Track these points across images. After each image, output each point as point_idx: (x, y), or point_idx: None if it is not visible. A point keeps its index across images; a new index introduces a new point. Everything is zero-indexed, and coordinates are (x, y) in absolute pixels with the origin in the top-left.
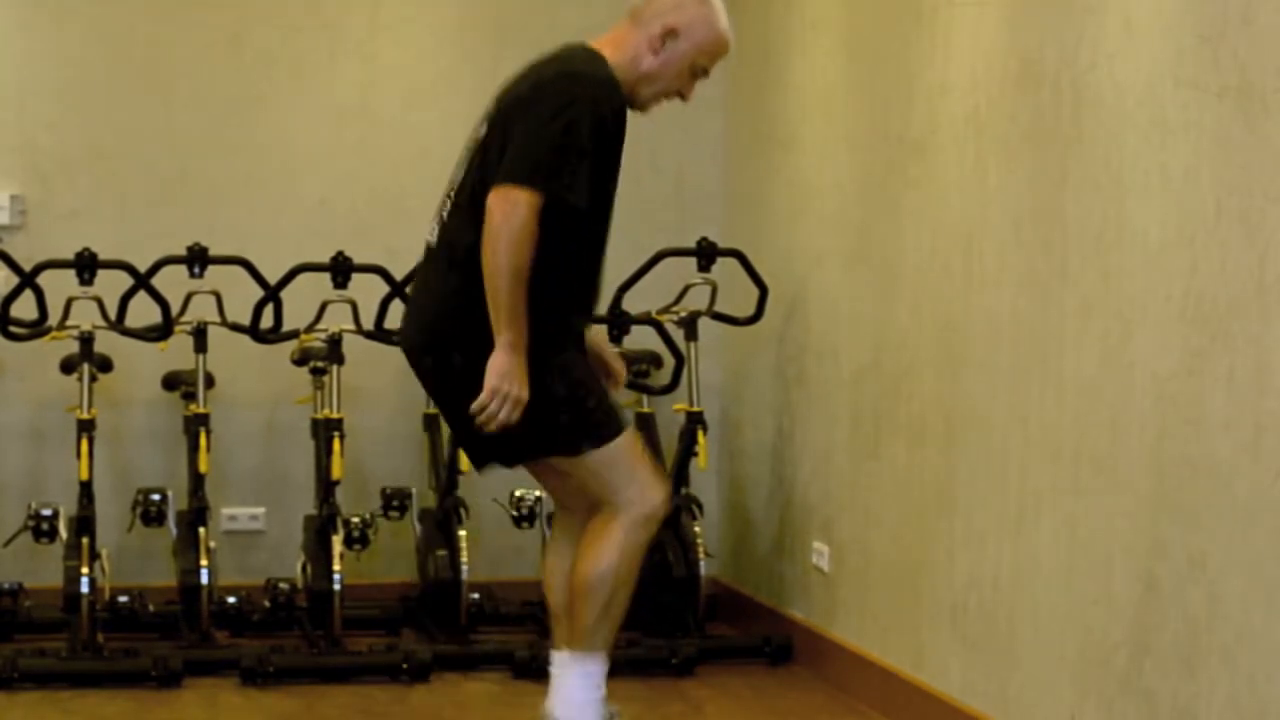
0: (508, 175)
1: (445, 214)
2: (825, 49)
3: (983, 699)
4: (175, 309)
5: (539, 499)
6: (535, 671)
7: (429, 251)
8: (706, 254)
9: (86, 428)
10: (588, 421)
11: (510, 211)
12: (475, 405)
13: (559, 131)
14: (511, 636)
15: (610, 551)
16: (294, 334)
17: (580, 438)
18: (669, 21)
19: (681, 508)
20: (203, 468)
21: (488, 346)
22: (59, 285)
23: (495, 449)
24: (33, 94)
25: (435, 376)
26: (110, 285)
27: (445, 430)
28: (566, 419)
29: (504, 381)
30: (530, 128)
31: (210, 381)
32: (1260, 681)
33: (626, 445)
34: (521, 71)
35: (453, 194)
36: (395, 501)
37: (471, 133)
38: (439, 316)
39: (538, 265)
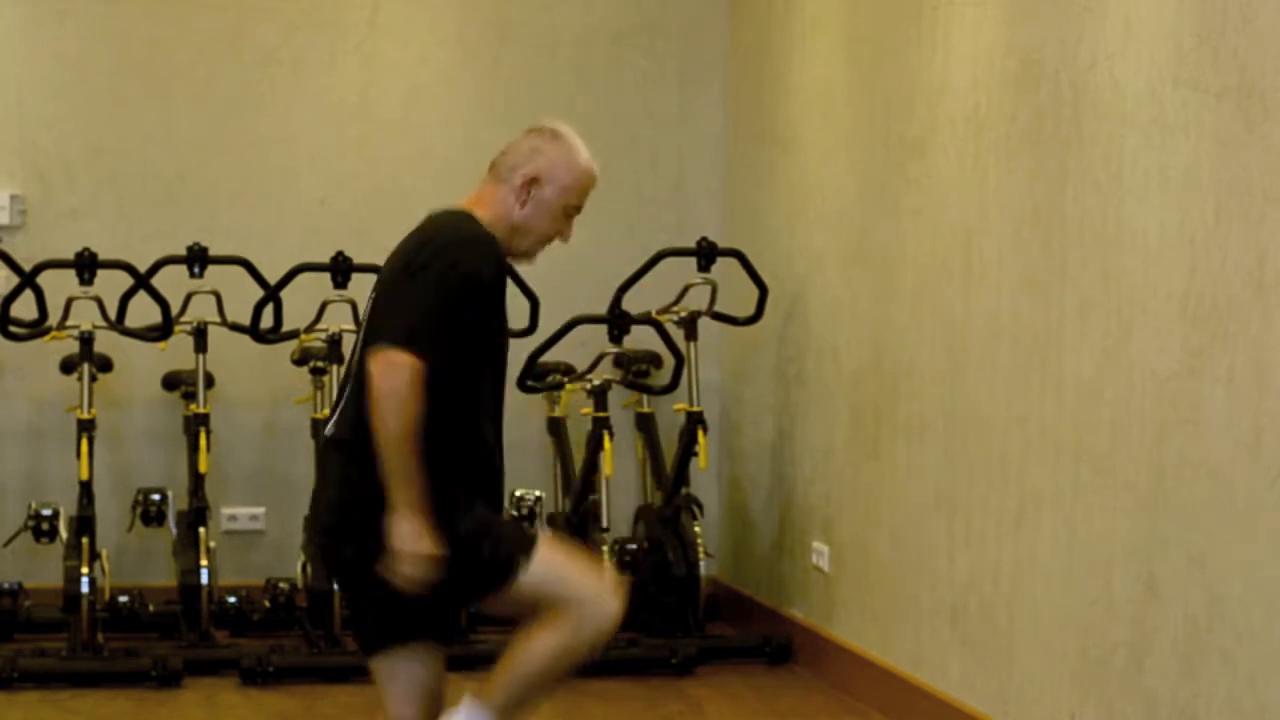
0: (384, 338)
1: (341, 400)
2: (825, 49)
3: (982, 699)
4: (175, 309)
5: (539, 499)
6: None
7: (323, 442)
8: (706, 254)
9: (86, 428)
10: (508, 539)
11: (390, 373)
12: (387, 571)
13: (429, 295)
14: (511, 636)
15: (557, 635)
16: (294, 334)
17: (511, 554)
18: (528, 171)
19: (681, 508)
20: (203, 468)
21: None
22: (59, 285)
23: (434, 614)
24: (33, 94)
25: (356, 566)
26: (110, 285)
27: None
28: (489, 548)
29: (412, 543)
30: (403, 293)
31: (210, 381)
32: (1260, 681)
33: (554, 545)
34: (402, 243)
35: (349, 380)
36: None
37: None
38: (341, 508)
39: (430, 423)
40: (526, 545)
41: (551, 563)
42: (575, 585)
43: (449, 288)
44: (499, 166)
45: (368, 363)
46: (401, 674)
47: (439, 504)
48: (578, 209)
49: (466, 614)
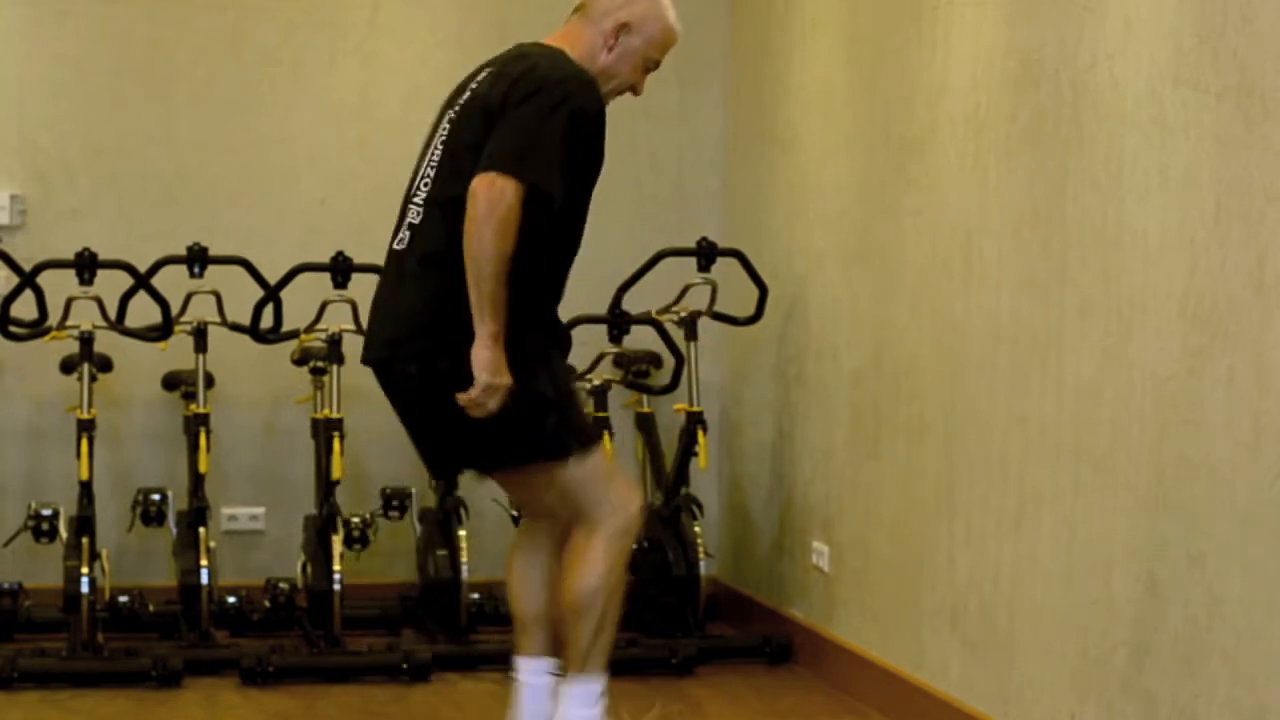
0: (492, 163)
1: (416, 219)
2: (825, 49)
3: (982, 699)
4: (175, 309)
5: None
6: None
7: (399, 257)
8: (706, 254)
9: (86, 428)
10: (574, 426)
11: (496, 199)
12: (464, 398)
13: (545, 127)
14: (511, 636)
15: (596, 566)
16: (294, 334)
17: (568, 442)
18: (621, 17)
19: (681, 508)
20: (203, 468)
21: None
22: (59, 285)
23: (475, 455)
24: (33, 94)
25: (418, 384)
26: (110, 285)
27: None
28: (555, 422)
29: (493, 375)
30: (515, 122)
31: (210, 381)
32: (1260, 681)
33: (604, 455)
34: (489, 71)
35: (421, 198)
36: (395, 501)
37: (431, 132)
38: (422, 323)
39: (520, 259)
40: (586, 439)
41: (597, 467)
42: (604, 492)
43: (561, 121)
44: (590, 8)
45: (474, 185)
46: (511, 487)
47: (523, 339)
48: (657, 64)
49: (468, 613)
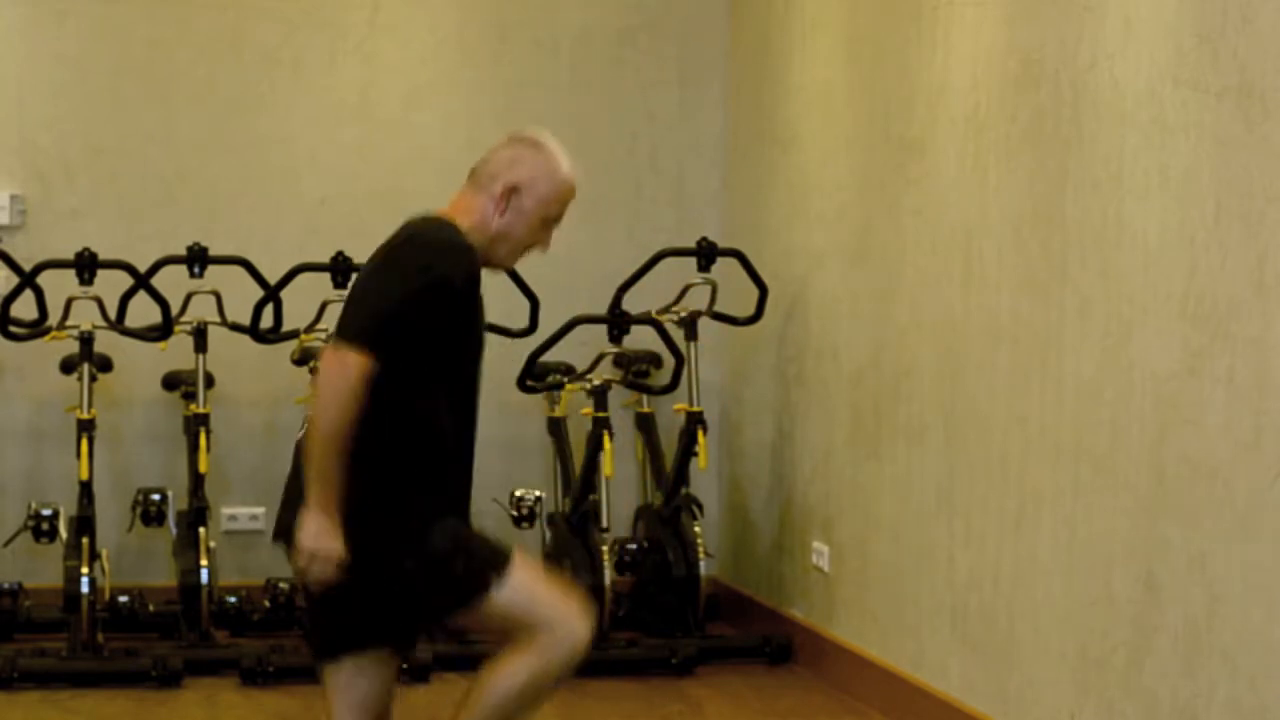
0: (340, 332)
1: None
2: (825, 49)
3: (982, 699)
4: (175, 309)
5: (539, 499)
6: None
7: (298, 447)
8: (706, 254)
9: (86, 428)
10: (482, 557)
11: (335, 369)
12: (294, 567)
13: (396, 295)
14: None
15: (521, 669)
16: (294, 334)
17: (484, 574)
18: (509, 180)
19: (681, 508)
20: (203, 468)
21: (386, 536)
22: (59, 285)
23: (409, 622)
24: (33, 94)
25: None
26: (110, 285)
27: None
28: (463, 564)
29: (318, 540)
30: (369, 291)
31: (210, 381)
32: (1260, 681)
33: (527, 566)
34: (378, 247)
35: None
36: None
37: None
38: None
39: (391, 433)
40: (500, 563)
41: (524, 582)
42: (546, 607)
43: (415, 289)
44: (479, 174)
45: (322, 356)
46: (352, 685)
47: (406, 513)
48: (557, 219)
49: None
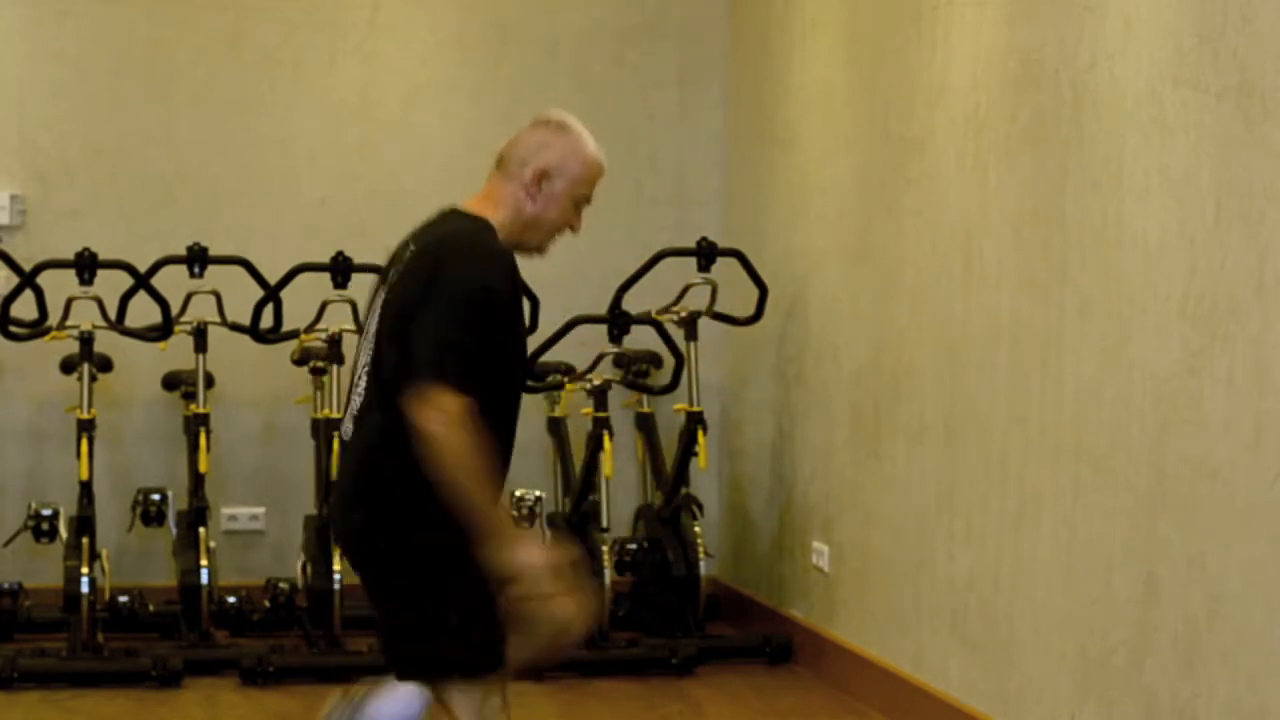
0: (426, 374)
1: (358, 405)
2: (825, 49)
3: (982, 699)
4: (175, 309)
5: (539, 499)
6: (535, 672)
7: (344, 447)
8: (706, 254)
9: (86, 428)
10: (470, 652)
11: (439, 419)
12: (523, 610)
13: (460, 322)
14: None
15: None
16: (294, 334)
17: (456, 664)
18: (538, 165)
19: (681, 508)
20: (203, 468)
21: (418, 537)
22: (59, 285)
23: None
24: (33, 94)
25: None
26: (110, 285)
27: None
28: (447, 645)
29: (532, 556)
30: (428, 323)
31: (210, 381)
32: (1260, 681)
33: (494, 690)
34: (415, 244)
35: (362, 378)
36: None
37: (367, 311)
38: (378, 517)
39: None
40: (473, 670)
41: (477, 703)
42: None
43: (477, 317)
44: (507, 161)
45: (415, 411)
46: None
47: (444, 552)
48: (588, 199)
49: None
